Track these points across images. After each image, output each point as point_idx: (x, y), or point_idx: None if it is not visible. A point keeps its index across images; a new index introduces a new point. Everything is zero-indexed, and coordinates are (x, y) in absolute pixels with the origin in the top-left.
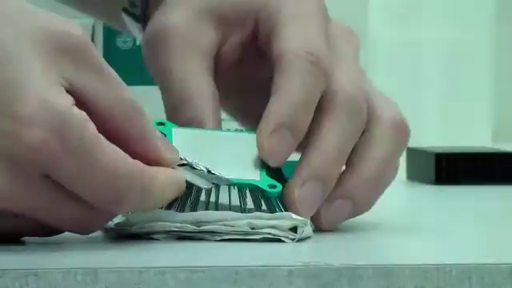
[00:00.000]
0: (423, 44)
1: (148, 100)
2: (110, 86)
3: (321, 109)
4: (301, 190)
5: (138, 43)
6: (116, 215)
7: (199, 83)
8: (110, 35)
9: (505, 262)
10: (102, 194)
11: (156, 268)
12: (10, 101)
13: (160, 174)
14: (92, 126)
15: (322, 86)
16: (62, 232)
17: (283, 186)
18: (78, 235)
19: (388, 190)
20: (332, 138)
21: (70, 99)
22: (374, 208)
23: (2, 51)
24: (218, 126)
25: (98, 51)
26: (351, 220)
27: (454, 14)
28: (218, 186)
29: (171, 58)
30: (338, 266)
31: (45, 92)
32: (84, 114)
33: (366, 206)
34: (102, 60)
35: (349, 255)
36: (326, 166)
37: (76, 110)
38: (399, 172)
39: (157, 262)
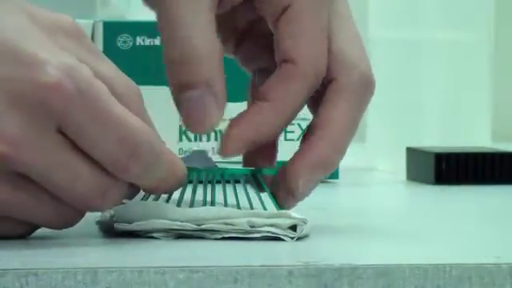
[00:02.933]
0: (423, 44)
1: (148, 100)
2: (108, 65)
3: (329, 91)
4: (305, 179)
5: (138, 43)
6: (94, 210)
7: (208, 41)
8: (110, 35)
9: (505, 262)
10: (114, 148)
11: (156, 268)
12: (20, 51)
13: (166, 150)
14: (101, 83)
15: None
16: (36, 229)
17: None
18: (78, 235)
19: (388, 190)
20: (340, 127)
21: (74, 57)
22: (374, 208)
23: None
24: (224, 88)
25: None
26: (351, 220)
27: (454, 15)
28: (213, 178)
29: (179, 7)
30: (338, 265)
31: (51, 47)
32: (90, 71)
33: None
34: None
35: (349, 255)
36: (332, 155)
37: (84, 65)
38: (399, 172)
39: (157, 262)
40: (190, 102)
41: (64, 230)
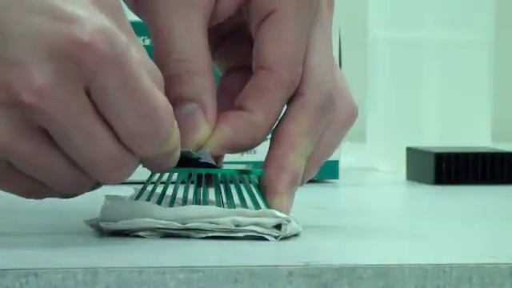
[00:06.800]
0: (423, 44)
1: None
2: (139, 47)
3: (293, 105)
4: (287, 197)
5: None
6: (107, 181)
7: (200, 57)
8: None
9: (505, 262)
10: (136, 123)
11: (156, 268)
12: (60, 6)
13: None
14: (138, 52)
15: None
16: (54, 195)
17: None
18: (78, 235)
19: (388, 190)
20: (305, 141)
21: (115, 26)
22: (374, 208)
23: None
24: (215, 103)
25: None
26: (351, 220)
27: (454, 15)
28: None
29: (170, 12)
30: (338, 265)
31: (93, 10)
32: (131, 39)
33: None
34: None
35: (349, 255)
36: (301, 168)
37: (122, 33)
38: (399, 172)
39: (157, 262)
40: (181, 117)
41: (64, 230)
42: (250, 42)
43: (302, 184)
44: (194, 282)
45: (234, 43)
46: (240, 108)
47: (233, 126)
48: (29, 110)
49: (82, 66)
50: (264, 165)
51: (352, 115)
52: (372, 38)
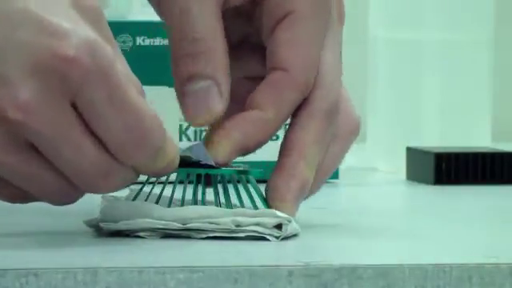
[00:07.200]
0: (423, 44)
1: (148, 100)
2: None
3: (302, 115)
4: (293, 205)
5: (138, 43)
6: (95, 190)
7: (217, 37)
8: None
9: (505, 262)
10: (122, 134)
11: (156, 268)
12: (45, 19)
13: (170, 141)
14: (124, 64)
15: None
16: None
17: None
18: (78, 235)
19: (388, 190)
20: (315, 149)
21: (100, 38)
22: (374, 208)
23: None
24: (229, 84)
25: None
26: (351, 220)
27: (454, 15)
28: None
29: (187, 2)
30: (338, 265)
31: (79, 21)
32: (116, 51)
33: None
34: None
35: (349, 255)
36: (311, 177)
37: (108, 44)
38: (399, 172)
39: (157, 262)
40: (195, 93)
41: (64, 230)
42: (257, 52)
43: (308, 196)
44: (194, 282)
45: (241, 53)
46: (251, 106)
47: (241, 128)
48: (15, 126)
49: (67, 81)
50: (273, 173)
51: (356, 128)
52: (372, 37)
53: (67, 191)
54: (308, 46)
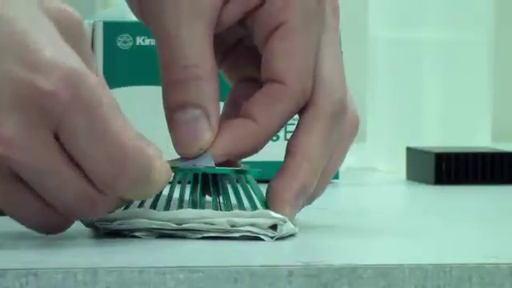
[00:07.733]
0: (423, 44)
1: (148, 100)
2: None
3: (306, 116)
4: (291, 206)
5: (138, 43)
6: (82, 219)
7: (207, 64)
8: (109, 35)
9: (505, 262)
10: (103, 164)
11: (156, 268)
12: (27, 49)
13: (156, 159)
14: (107, 93)
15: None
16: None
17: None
18: (78, 235)
19: (388, 190)
20: (319, 151)
21: (84, 65)
22: (374, 208)
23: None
24: (218, 113)
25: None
26: (351, 220)
27: (454, 15)
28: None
29: (176, 20)
30: (338, 266)
31: (62, 48)
32: (100, 79)
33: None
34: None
35: (349, 255)
36: (314, 179)
37: (92, 73)
38: (399, 172)
39: (157, 262)
40: (184, 122)
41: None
42: (254, 54)
43: (311, 202)
44: (194, 282)
45: (238, 56)
46: (245, 115)
47: (234, 134)
48: None
49: (47, 115)
50: (276, 174)
51: (356, 126)
52: (372, 37)
53: (55, 220)
54: (303, 57)
